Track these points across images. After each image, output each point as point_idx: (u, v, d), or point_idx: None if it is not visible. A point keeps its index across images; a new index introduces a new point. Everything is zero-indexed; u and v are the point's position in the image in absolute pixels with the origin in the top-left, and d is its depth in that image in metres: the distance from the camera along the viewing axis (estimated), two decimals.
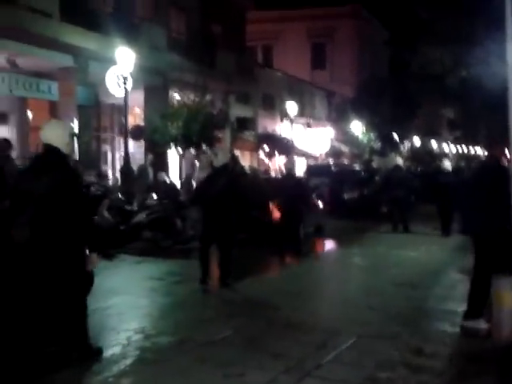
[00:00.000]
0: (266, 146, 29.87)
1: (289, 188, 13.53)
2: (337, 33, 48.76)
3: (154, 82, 22.42)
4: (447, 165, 18.04)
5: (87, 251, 6.20)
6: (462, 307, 8.76)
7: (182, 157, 21.68)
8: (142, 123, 22.85)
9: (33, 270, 6.07)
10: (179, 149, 21.01)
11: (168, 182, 17.33)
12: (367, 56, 49.78)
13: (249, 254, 12.99)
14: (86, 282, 6.51)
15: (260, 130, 33.35)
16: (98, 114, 22.32)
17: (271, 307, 8.79)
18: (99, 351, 6.47)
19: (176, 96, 22.76)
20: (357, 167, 31.98)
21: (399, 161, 19.96)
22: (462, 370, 6.18)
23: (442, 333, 7.50)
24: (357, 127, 40.63)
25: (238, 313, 8.44)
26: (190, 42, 26.73)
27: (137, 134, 21.78)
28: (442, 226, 17.04)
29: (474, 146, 71.52)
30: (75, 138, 15.86)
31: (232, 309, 8.72)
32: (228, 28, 29.91)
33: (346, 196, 23.38)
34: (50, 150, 6.16)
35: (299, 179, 15.81)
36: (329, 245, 16.10)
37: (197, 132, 19.97)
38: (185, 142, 20.41)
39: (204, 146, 20.49)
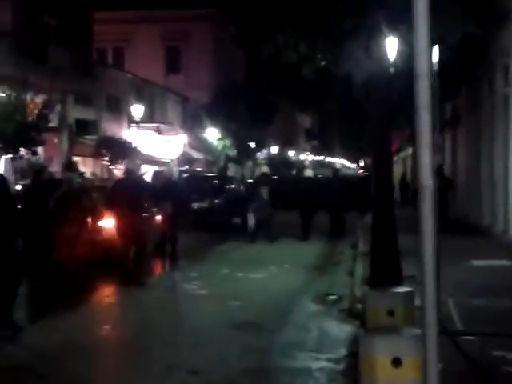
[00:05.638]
0: (105, 151, 26.81)
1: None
2: (192, 36, 46.56)
3: None
4: (309, 173, 20.46)
5: None
6: (317, 363, 6.46)
7: None
8: None
9: None
10: None
11: None
12: (224, 60, 47.84)
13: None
14: None
15: (105, 134, 30.32)
16: None
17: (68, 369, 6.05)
18: None
19: None
20: (210, 174, 29.91)
21: (265, 169, 20.24)
22: None
23: None
24: (211, 134, 38.58)
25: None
26: (17, 32, 23.26)
27: None
28: (302, 231, 17.80)
29: (330, 156, 71.78)
30: None
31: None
32: (66, 23, 26.63)
33: (194, 206, 20.65)
34: None
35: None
36: (161, 268, 13.23)
37: (12, 133, 16.66)
38: None
39: (22, 149, 17.22)
